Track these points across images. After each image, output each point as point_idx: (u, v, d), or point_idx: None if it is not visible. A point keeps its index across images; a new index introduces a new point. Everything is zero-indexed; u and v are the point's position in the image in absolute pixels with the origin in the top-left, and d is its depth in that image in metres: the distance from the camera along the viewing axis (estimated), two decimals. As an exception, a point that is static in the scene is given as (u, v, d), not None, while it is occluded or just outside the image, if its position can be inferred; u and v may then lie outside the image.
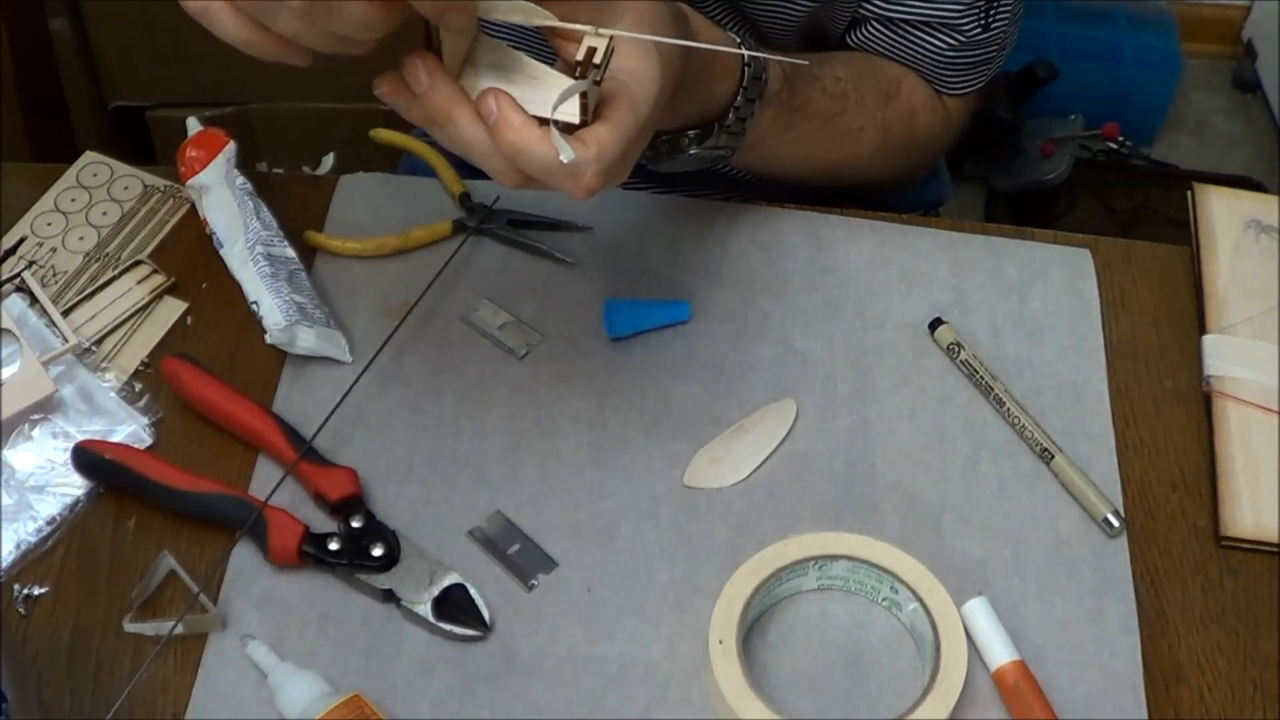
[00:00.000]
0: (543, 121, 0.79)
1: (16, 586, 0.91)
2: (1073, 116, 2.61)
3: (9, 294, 1.06)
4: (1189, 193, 1.19)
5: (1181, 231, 1.17)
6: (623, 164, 0.82)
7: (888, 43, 1.15)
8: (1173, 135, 2.86)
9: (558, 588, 0.92)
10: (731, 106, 0.99)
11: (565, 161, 0.78)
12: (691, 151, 1.00)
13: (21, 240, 1.11)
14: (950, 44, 1.14)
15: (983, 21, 1.13)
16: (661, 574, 0.93)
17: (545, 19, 0.80)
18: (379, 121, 1.23)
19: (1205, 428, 1.03)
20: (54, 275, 1.09)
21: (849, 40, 1.18)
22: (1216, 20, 3.01)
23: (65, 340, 1.03)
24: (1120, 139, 2.67)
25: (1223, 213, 1.16)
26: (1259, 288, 1.11)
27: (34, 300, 1.06)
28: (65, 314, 1.05)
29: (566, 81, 0.79)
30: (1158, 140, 2.82)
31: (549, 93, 0.80)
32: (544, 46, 0.86)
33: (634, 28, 0.82)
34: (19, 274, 1.08)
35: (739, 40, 0.99)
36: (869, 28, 1.16)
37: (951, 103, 1.20)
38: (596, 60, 0.78)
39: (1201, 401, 1.05)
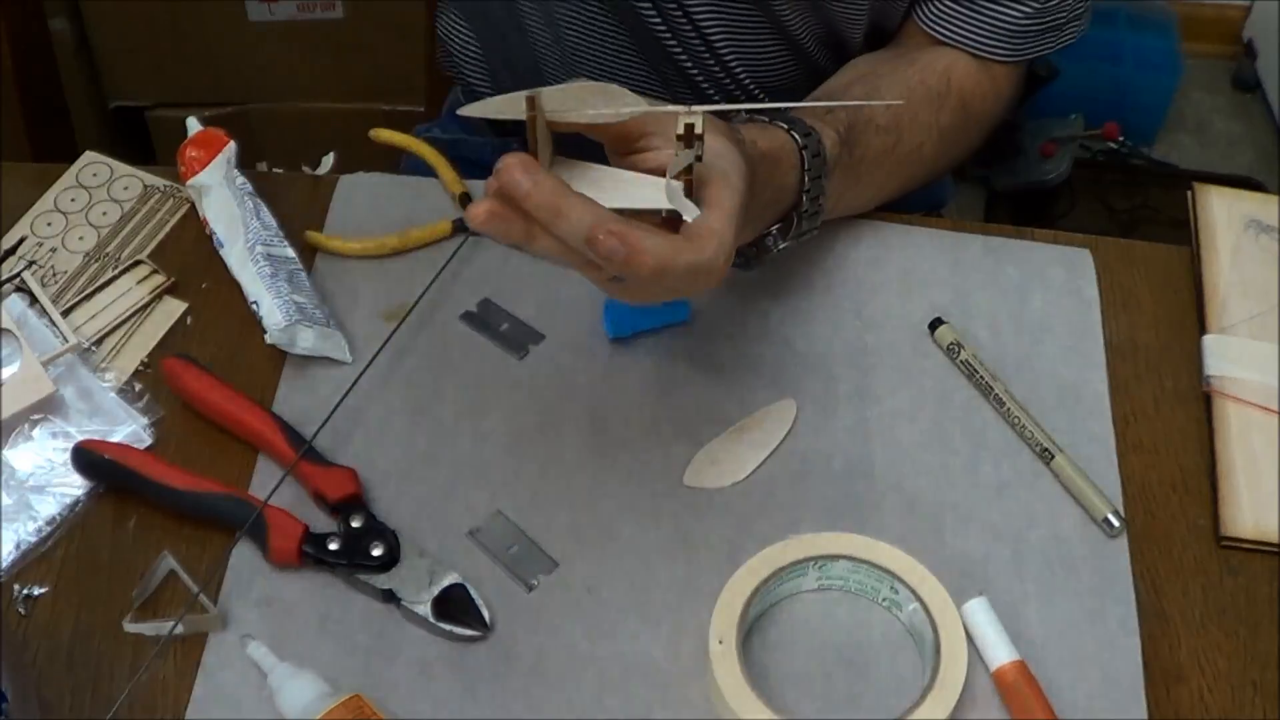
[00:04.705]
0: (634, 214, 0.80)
1: (16, 586, 0.91)
2: (1073, 116, 2.61)
3: (9, 294, 1.06)
4: (1189, 193, 1.19)
5: (1181, 231, 1.17)
6: (735, 240, 0.82)
7: (958, 18, 1.14)
8: (1173, 135, 2.86)
9: (558, 588, 0.92)
10: (802, 192, 0.99)
11: (692, 222, 0.79)
12: (779, 249, 1.00)
13: (21, 240, 1.11)
14: (1026, 12, 1.13)
15: None
16: (661, 574, 0.93)
17: (639, 106, 0.80)
18: (379, 121, 1.23)
19: (1205, 428, 1.03)
20: (54, 275, 1.09)
21: (916, 16, 1.16)
22: (1216, 20, 3.01)
23: (65, 340, 1.03)
24: (1120, 139, 2.67)
25: (1223, 213, 1.16)
26: (1259, 288, 1.11)
27: (34, 300, 1.06)
28: (65, 314, 1.05)
29: (645, 179, 0.81)
30: (1158, 140, 2.82)
31: (634, 189, 0.81)
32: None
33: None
34: (19, 274, 1.08)
35: (785, 126, 0.99)
36: (938, 5, 1.15)
37: (1000, 70, 1.18)
38: (698, 132, 0.78)
39: (1201, 401, 1.05)
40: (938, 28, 1.15)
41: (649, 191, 0.81)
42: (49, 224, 1.12)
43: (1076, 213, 2.56)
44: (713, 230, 0.80)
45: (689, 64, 1.20)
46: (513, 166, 0.76)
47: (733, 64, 1.21)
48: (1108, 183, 2.62)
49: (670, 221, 0.81)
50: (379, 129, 1.19)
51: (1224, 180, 2.45)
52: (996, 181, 2.59)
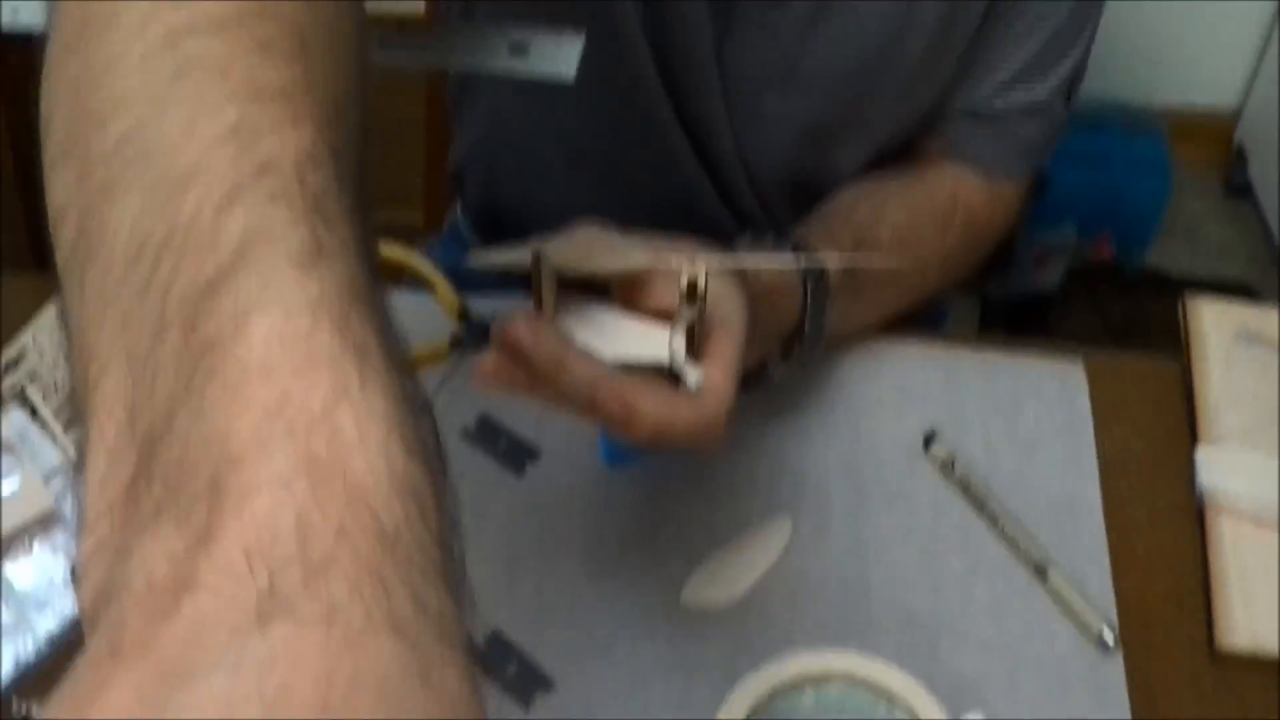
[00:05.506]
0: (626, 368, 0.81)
1: (16, 701, 0.91)
2: (1065, 225, 2.63)
3: (10, 407, 1.06)
4: (1180, 305, 1.19)
5: (1176, 338, 1.18)
6: (736, 391, 0.83)
7: (979, 138, 1.15)
8: (1166, 241, 2.88)
9: (556, 707, 0.92)
10: (804, 319, 0.99)
11: (694, 388, 0.79)
12: (778, 376, 1.01)
13: (23, 353, 1.11)
14: (1041, 126, 1.15)
15: (1067, 96, 1.15)
16: (658, 694, 0.93)
17: (642, 259, 0.81)
18: (377, 233, 1.23)
19: (1199, 540, 1.04)
20: (56, 388, 1.09)
21: (937, 135, 1.18)
22: (1207, 126, 3.04)
23: (66, 455, 1.03)
24: (1113, 248, 2.69)
25: (1213, 324, 1.17)
26: (1251, 399, 1.11)
27: (35, 413, 1.06)
28: (66, 428, 1.06)
29: (648, 325, 0.82)
30: (1151, 246, 2.84)
31: (636, 339, 0.82)
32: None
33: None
34: (21, 387, 1.08)
35: (790, 250, 1.00)
36: (956, 125, 1.16)
37: (1011, 187, 1.19)
38: (701, 289, 0.79)
39: (1195, 514, 1.05)
40: (959, 148, 1.16)
41: (651, 343, 0.81)
42: (51, 337, 1.13)
43: (1071, 321, 2.58)
44: (713, 387, 0.80)
45: (726, 215, 1.22)
46: (516, 323, 0.77)
47: (779, 213, 1.22)
48: (1101, 291, 2.64)
49: (673, 373, 0.82)
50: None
51: (1218, 287, 2.46)
52: (991, 291, 2.61)
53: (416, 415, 0.39)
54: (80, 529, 0.38)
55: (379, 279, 0.44)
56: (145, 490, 0.36)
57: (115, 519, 0.37)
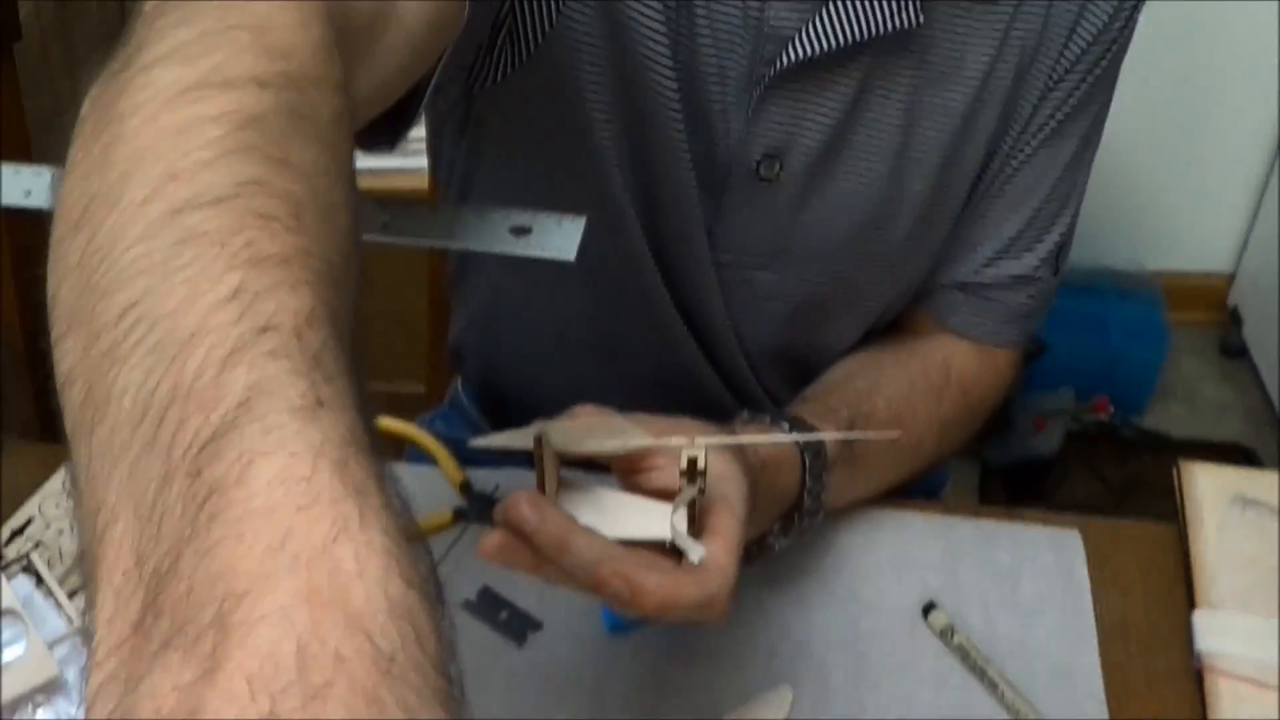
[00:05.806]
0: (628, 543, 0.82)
1: None
2: (1063, 390, 2.64)
3: (16, 575, 1.07)
4: (1175, 470, 1.20)
5: (1175, 500, 1.18)
6: (739, 567, 0.84)
7: (968, 308, 1.17)
8: (1163, 403, 2.89)
9: None
10: (803, 492, 1.01)
11: (697, 563, 0.80)
12: (780, 546, 1.02)
13: (29, 521, 1.12)
14: (1031, 295, 1.17)
15: (1055, 266, 1.16)
16: None
17: (642, 440, 0.83)
18: (379, 403, 1.24)
19: (1199, 704, 1.03)
20: (61, 557, 1.10)
21: (927, 306, 1.19)
22: (1201, 289, 3.06)
23: (71, 622, 1.04)
24: (1110, 410, 2.70)
25: (1208, 489, 1.18)
26: (1247, 562, 1.12)
27: (40, 581, 1.07)
28: (71, 595, 1.06)
29: (650, 505, 0.83)
30: (1149, 408, 2.85)
31: (638, 518, 0.83)
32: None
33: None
34: (26, 555, 1.09)
35: (787, 426, 1.01)
36: (945, 296, 1.18)
37: (1004, 355, 1.21)
38: (701, 467, 0.80)
39: (1194, 677, 1.05)
40: (949, 318, 1.18)
41: (653, 521, 0.82)
42: (57, 505, 1.14)
43: (1070, 483, 2.58)
44: (715, 564, 0.81)
45: (725, 392, 1.24)
46: (520, 503, 0.78)
47: (774, 389, 1.24)
48: (1100, 453, 2.64)
49: (675, 549, 0.82)
50: (380, 418, 1.21)
51: (1215, 448, 2.46)
52: (989, 456, 2.61)
53: (414, 552, 0.41)
54: (89, 666, 0.39)
55: (375, 432, 0.46)
56: (153, 625, 0.38)
57: (123, 654, 0.39)
